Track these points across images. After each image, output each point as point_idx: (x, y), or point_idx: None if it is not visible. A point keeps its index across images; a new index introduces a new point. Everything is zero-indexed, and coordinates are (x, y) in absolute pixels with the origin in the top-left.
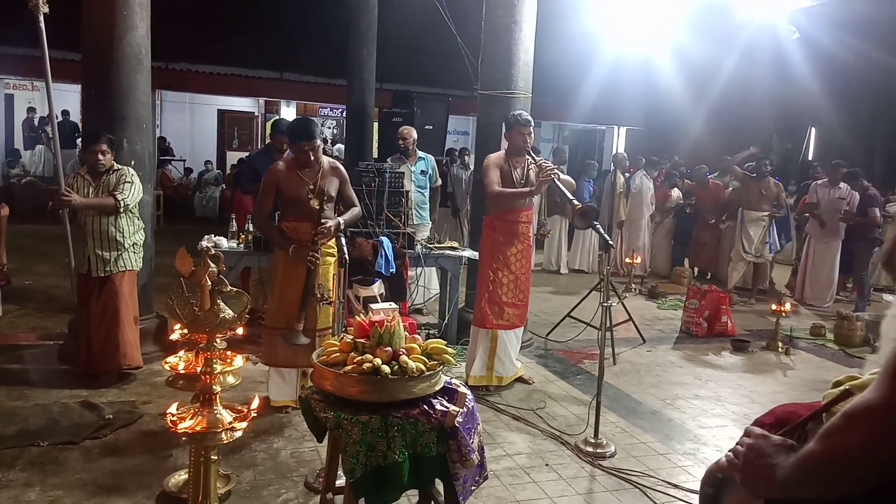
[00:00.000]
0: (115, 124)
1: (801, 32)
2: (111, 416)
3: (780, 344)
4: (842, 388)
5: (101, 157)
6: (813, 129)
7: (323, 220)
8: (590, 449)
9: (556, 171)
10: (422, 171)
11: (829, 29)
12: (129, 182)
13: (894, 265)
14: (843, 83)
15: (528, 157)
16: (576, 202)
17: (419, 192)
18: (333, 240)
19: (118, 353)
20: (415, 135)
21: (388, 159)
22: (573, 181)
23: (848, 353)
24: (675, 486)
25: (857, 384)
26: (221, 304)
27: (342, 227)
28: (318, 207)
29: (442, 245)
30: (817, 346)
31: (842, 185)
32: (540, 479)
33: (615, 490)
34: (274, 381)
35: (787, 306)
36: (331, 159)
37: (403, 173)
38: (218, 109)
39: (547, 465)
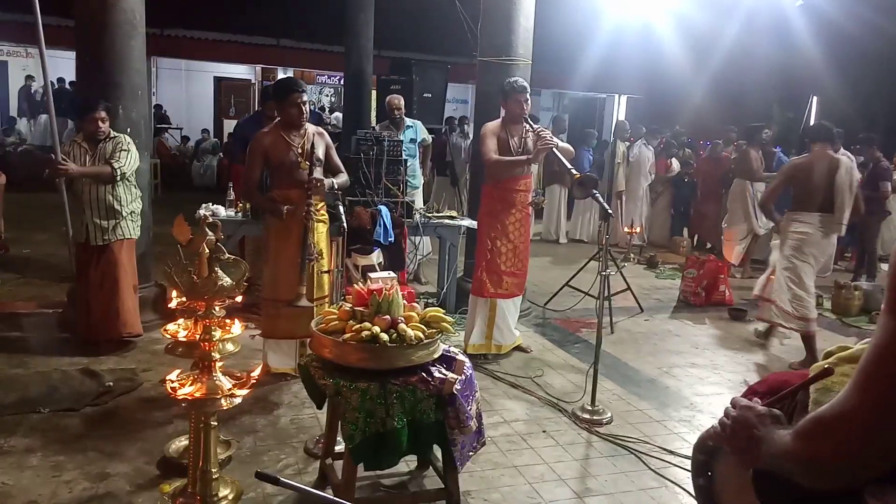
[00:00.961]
0: (110, 92)
1: None
2: (111, 384)
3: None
4: (824, 363)
5: (101, 124)
6: (815, 98)
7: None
8: (586, 416)
9: (554, 139)
10: (411, 140)
11: None
12: (125, 150)
13: (768, 208)
14: (845, 51)
15: (525, 124)
16: (574, 171)
17: (409, 160)
18: (324, 207)
19: (118, 321)
20: (403, 103)
21: (377, 127)
22: (572, 149)
23: (844, 321)
24: (671, 453)
25: (845, 356)
26: (219, 271)
27: (335, 188)
28: (308, 165)
29: (440, 214)
30: None
31: (840, 152)
32: (537, 446)
33: (611, 456)
34: (272, 349)
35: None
36: (315, 126)
37: (402, 141)
38: (214, 77)
39: (544, 431)
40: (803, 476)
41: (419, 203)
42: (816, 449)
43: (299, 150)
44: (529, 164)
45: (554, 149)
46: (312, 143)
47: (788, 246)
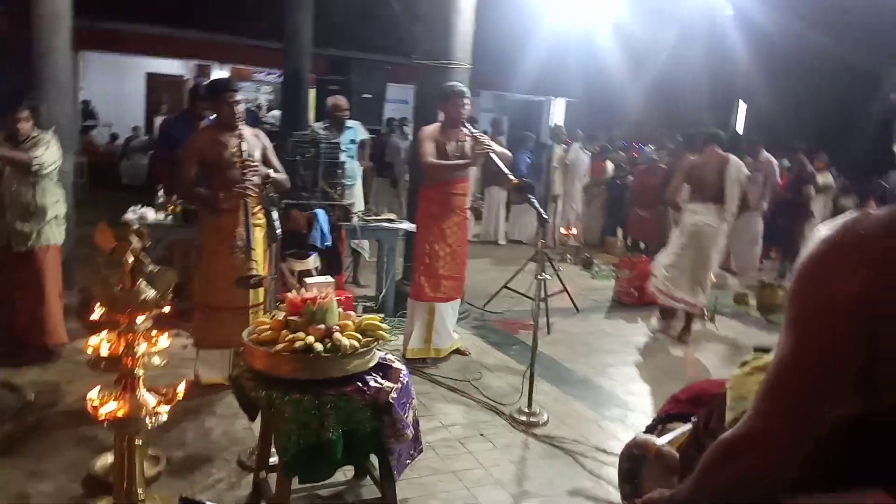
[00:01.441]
0: (34, 88)
1: (736, 9)
2: (33, 397)
3: (704, 311)
4: (739, 372)
5: (23, 124)
6: (742, 104)
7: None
8: (523, 418)
9: (491, 144)
10: (351, 140)
11: (762, 7)
12: (42, 144)
13: (673, 201)
14: (775, 59)
15: (463, 129)
16: (511, 177)
17: (349, 161)
18: (261, 210)
19: (43, 331)
20: (348, 104)
21: (317, 126)
22: (510, 154)
23: (769, 319)
24: (604, 452)
25: (760, 365)
26: (144, 283)
27: (272, 180)
28: (241, 156)
29: (379, 217)
30: (741, 313)
31: (762, 157)
32: (475, 450)
33: (547, 458)
34: (203, 359)
35: (712, 276)
36: (252, 128)
37: (339, 143)
38: (146, 73)
39: (482, 435)
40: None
41: (357, 201)
42: (728, 474)
43: (234, 150)
44: (467, 167)
45: (491, 153)
46: (251, 148)
47: (681, 233)
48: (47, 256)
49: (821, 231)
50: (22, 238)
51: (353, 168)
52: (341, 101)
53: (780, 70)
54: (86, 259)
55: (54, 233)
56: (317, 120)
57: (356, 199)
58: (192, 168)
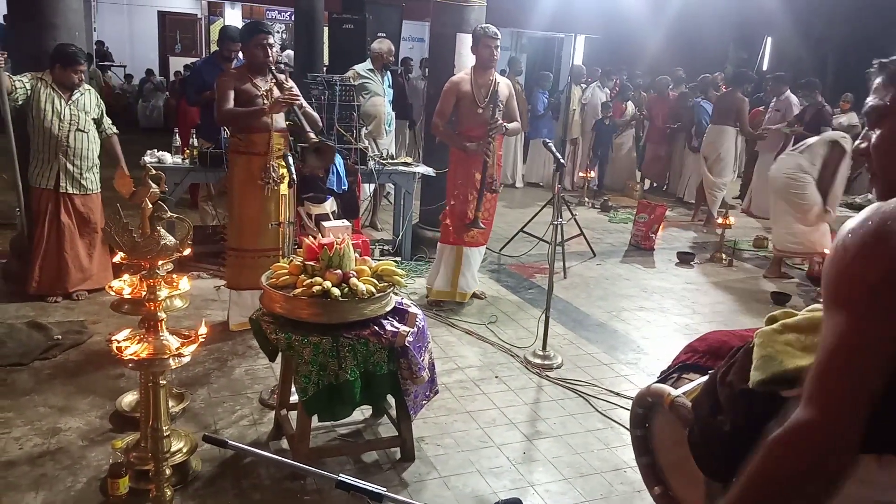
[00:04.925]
0: (46, 33)
1: None
2: (60, 337)
3: (723, 256)
4: (768, 328)
5: (81, 77)
6: (769, 39)
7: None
8: (538, 361)
9: (503, 125)
10: (389, 85)
11: None
12: (98, 101)
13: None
14: None
15: (494, 73)
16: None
17: (388, 105)
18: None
19: (108, 272)
20: None
21: (359, 69)
22: (519, 127)
23: (788, 263)
24: (617, 395)
25: (790, 323)
26: (161, 230)
27: (302, 110)
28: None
29: (395, 161)
30: (759, 257)
31: (784, 96)
32: (489, 391)
33: (560, 399)
34: (235, 303)
35: (732, 220)
36: (281, 75)
37: (355, 86)
38: (158, 11)
39: (497, 377)
40: None
41: (391, 148)
42: (786, 471)
43: (263, 92)
44: (467, 149)
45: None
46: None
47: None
48: (99, 202)
49: (855, 218)
50: (83, 186)
51: (391, 113)
52: (391, 46)
53: (802, 4)
54: (106, 202)
55: (98, 178)
56: (330, 59)
57: (390, 145)
58: (229, 98)
